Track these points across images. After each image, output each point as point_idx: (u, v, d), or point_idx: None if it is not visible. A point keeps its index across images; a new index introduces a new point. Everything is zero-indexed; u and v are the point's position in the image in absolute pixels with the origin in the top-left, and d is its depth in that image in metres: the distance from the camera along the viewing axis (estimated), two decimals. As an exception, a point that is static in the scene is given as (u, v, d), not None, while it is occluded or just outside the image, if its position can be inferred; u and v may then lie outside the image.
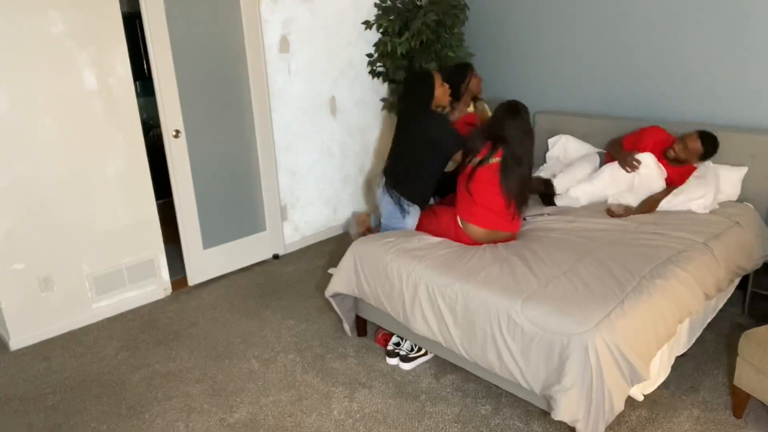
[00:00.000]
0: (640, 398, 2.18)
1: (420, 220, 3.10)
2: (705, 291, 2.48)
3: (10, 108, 2.89)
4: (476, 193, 2.79)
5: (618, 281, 2.30)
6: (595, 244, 2.70)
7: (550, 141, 3.94)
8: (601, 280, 2.33)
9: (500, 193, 2.75)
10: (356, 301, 3.00)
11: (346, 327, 3.02)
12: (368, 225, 3.50)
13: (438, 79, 3.07)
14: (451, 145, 2.99)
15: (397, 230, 3.04)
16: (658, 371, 2.26)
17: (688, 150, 3.15)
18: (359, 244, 2.87)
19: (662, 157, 3.25)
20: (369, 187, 4.76)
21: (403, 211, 3.09)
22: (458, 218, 2.88)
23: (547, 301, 2.20)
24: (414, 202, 3.09)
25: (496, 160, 2.75)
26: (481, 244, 2.82)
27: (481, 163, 2.75)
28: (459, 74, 3.59)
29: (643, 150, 3.25)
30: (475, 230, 2.83)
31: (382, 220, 3.21)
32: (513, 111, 2.75)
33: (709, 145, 3.14)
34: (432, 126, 2.99)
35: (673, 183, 3.22)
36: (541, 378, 2.12)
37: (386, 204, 3.15)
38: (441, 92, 3.09)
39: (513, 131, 2.73)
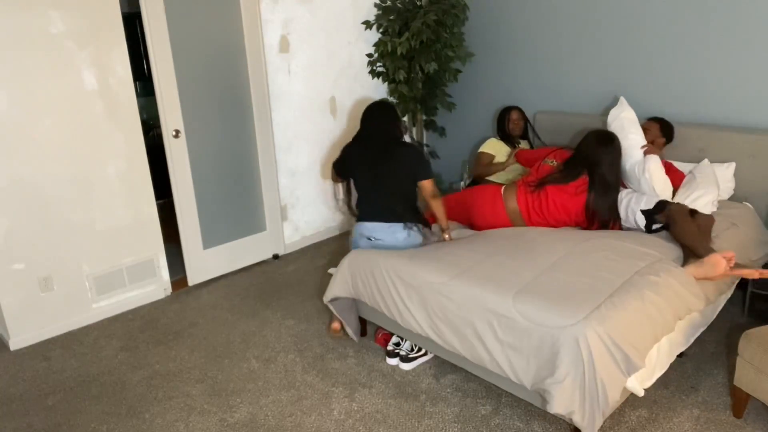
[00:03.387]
0: (641, 393, 2.17)
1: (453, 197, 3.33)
2: (705, 292, 2.48)
3: (10, 108, 2.89)
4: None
5: (611, 275, 2.32)
6: (591, 237, 2.71)
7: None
8: (594, 273, 2.35)
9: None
10: (356, 303, 3.00)
11: (350, 331, 2.97)
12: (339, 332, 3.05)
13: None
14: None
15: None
16: (655, 364, 2.26)
17: (650, 134, 3.29)
18: (354, 252, 2.92)
19: None
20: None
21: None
22: (503, 187, 3.10)
23: (539, 294, 2.22)
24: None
25: (554, 163, 3.08)
26: (501, 215, 3.02)
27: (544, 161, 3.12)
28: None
29: None
30: (512, 202, 3.02)
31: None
32: (605, 139, 2.95)
33: (665, 126, 3.32)
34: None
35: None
36: (532, 371, 2.14)
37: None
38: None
39: (604, 158, 2.90)
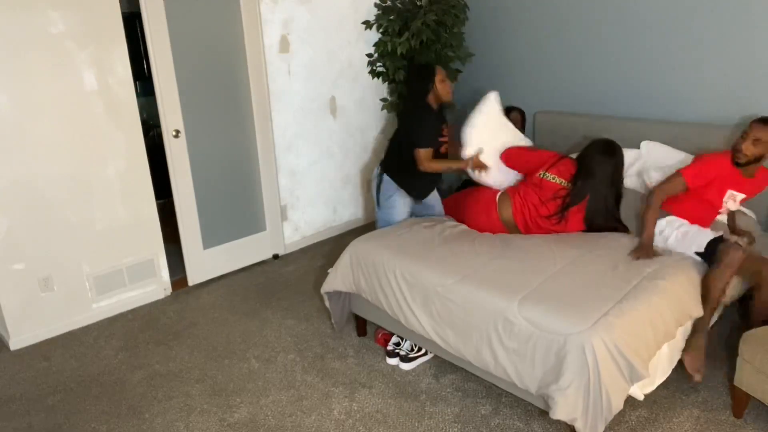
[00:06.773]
0: (641, 397, 2.18)
1: (449, 199, 3.40)
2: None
3: (10, 108, 2.89)
4: (526, 193, 2.97)
5: (619, 281, 2.30)
6: (598, 242, 2.70)
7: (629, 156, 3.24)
8: (602, 277, 2.33)
9: (543, 204, 2.90)
10: (351, 299, 3.01)
11: (333, 322, 3.04)
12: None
13: (440, 74, 3.05)
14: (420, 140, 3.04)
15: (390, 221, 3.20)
16: (656, 370, 2.26)
17: (762, 143, 2.52)
18: (357, 242, 2.89)
19: (736, 172, 2.67)
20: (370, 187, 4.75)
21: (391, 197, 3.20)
22: (497, 195, 3.04)
23: (545, 300, 2.20)
24: (410, 194, 3.22)
25: (558, 180, 2.90)
26: (497, 223, 2.98)
27: (544, 175, 2.95)
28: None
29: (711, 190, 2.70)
30: (507, 212, 2.98)
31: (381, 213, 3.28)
32: (607, 150, 2.86)
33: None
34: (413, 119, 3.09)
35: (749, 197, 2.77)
36: (537, 377, 2.12)
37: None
38: (442, 88, 3.06)
39: (603, 169, 2.83)
